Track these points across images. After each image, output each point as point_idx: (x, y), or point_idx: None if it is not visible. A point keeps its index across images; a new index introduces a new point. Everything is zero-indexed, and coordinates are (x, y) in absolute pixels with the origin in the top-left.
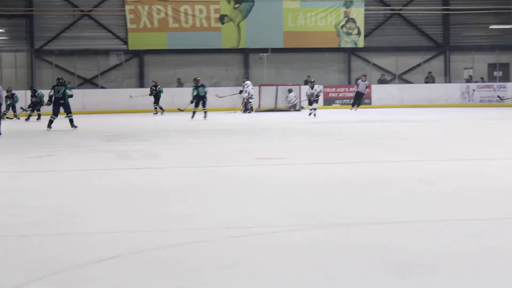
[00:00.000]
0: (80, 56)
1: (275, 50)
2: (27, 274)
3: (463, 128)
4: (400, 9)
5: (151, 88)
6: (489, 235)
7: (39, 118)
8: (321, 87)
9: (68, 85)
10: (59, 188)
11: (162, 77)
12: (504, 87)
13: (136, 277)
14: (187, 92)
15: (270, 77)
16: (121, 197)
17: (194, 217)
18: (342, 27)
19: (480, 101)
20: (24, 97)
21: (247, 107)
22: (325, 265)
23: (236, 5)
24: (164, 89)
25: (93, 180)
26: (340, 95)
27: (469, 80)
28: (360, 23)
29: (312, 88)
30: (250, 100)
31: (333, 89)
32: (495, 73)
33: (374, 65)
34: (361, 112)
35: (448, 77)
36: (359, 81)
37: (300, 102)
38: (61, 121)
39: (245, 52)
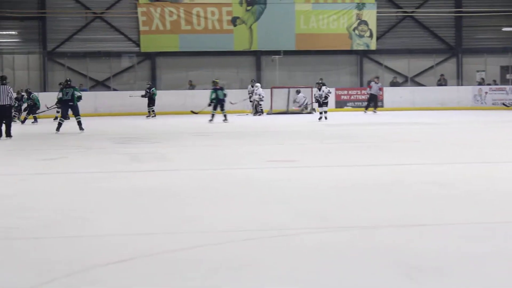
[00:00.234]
0: (93, 58)
1: (287, 53)
2: (36, 277)
3: (475, 131)
4: (412, 12)
5: (145, 90)
6: (499, 238)
7: (35, 121)
8: (328, 88)
9: (76, 87)
10: (69, 190)
11: (174, 79)
12: None
13: (147, 280)
14: (199, 94)
15: (282, 80)
16: (132, 200)
17: (206, 220)
18: (354, 29)
19: (493, 104)
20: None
21: (257, 110)
22: (337, 268)
23: (248, 8)
24: (176, 92)
25: (104, 182)
26: (352, 97)
27: (481, 82)
28: (372, 25)
29: (319, 89)
30: (261, 103)
31: (345, 92)
32: (508, 76)
33: (386, 67)
34: (373, 115)
35: (460, 80)
36: (372, 83)
37: (312, 103)
38: (70, 123)
39: (257, 55)
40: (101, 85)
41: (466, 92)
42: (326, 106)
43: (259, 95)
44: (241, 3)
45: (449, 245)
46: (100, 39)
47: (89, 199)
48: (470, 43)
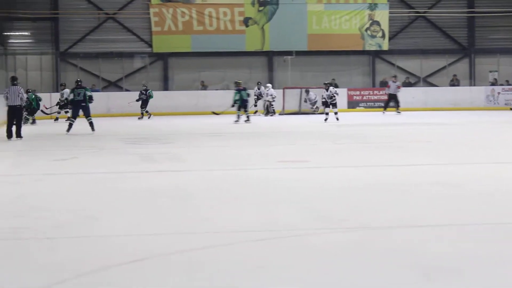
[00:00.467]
0: (105, 58)
1: (299, 53)
2: (48, 277)
3: (488, 131)
4: (424, 12)
5: (140, 92)
6: None
7: (33, 122)
8: (335, 89)
9: (88, 88)
10: (82, 190)
11: (186, 80)
12: None
13: (160, 280)
14: (211, 95)
15: (294, 80)
16: (145, 200)
17: (217, 220)
18: (366, 29)
19: (505, 104)
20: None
21: (269, 110)
22: (351, 269)
23: (261, 8)
24: (188, 92)
25: (116, 183)
26: (364, 98)
27: (494, 83)
28: (385, 25)
29: (327, 90)
30: (273, 103)
31: (357, 92)
32: None
33: (399, 68)
34: (385, 115)
35: (473, 80)
36: (390, 82)
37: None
38: (80, 124)
39: (269, 55)
40: (114, 85)
41: (478, 92)
42: (335, 107)
43: (271, 95)
44: (253, 4)
45: (466, 246)
46: (113, 39)
47: (101, 200)
48: (483, 43)
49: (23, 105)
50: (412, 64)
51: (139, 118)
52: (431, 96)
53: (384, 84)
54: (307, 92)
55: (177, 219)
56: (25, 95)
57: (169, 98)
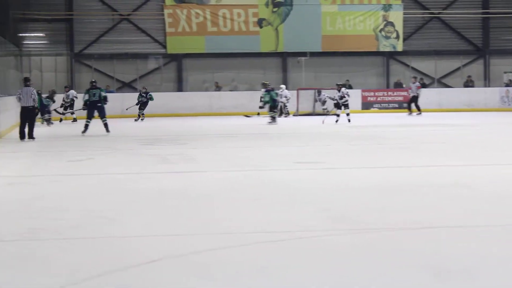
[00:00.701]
0: (119, 60)
1: (313, 54)
2: (67, 278)
3: (502, 132)
4: (439, 13)
5: (140, 94)
6: None
7: (49, 123)
8: (347, 90)
9: (102, 88)
10: (99, 191)
11: (200, 81)
12: None
13: (176, 281)
14: (225, 96)
15: (308, 81)
16: (160, 201)
17: (233, 221)
18: (380, 30)
19: None
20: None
21: (283, 111)
22: (363, 269)
23: (275, 9)
24: (203, 93)
25: (131, 183)
26: (378, 99)
27: (509, 84)
28: (399, 26)
29: (339, 91)
30: (287, 104)
31: (372, 93)
32: None
33: (413, 69)
34: (399, 117)
35: (487, 81)
36: (411, 84)
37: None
38: (95, 125)
39: (283, 56)
40: (128, 86)
41: (493, 93)
42: (347, 108)
43: (285, 96)
44: (267, 5)
45: (481, 247)
46: (127, 40)
47: (116, 201)
48: (498, 44)
49: (36, 106)
50: (427, 65)
51: (136, 120)
52: (446, 97)
53: (398, 85)
54: (319, 92)
55: (192, 220)
56: (37, 97)
57: (183, 99)
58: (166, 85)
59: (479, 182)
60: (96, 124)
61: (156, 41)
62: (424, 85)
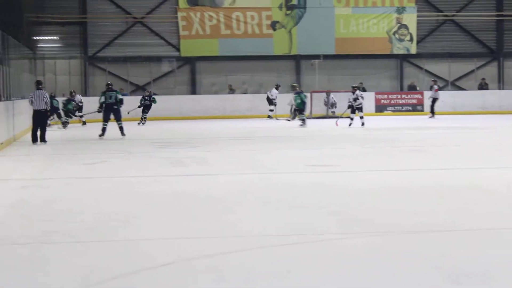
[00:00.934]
0: (133, 63)
1: (326, 57)
2: (82, 280)
3: None
4: (453, 15)
5: (143, 98)
6: None
7: (64, 125)
8: (361, 92)
9: (118, 90)
10: (113, 194)
11: (214, 84)
12: None
13: (189, 284)
14: (239, 99)
15: (321, 84)
16: (174, 204)
17: (247, 224)
18: (394, 33)
19: None
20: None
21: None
22: (380, 273)
23: (288, 12)
24: (216, 96)
25: (146, 186)
26: (392, 101)
27: None
28: (413, 29)
29: (353, 93)
30: None
31: (385, 96)
32: None
33: (427, 71)
34: (412, 119)
35: (501, 84)
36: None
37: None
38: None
39: (296, 59)
40: (142, 89)
41: (507, 96)
42: (361, 111)
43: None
44: (280, 8)
45: (496, 251)
46: (141, 43)
47: (130, 203)
48: None
49: (48, 109)
50: (440, 68)
51: (138, 124)
52: (460, 100)
53: (412, 88)
54: (328, 95)
55: (205, 223)
56: (49, 100)
57: (197, 102)
58: (179, 88)
59: (493, 185)
60: (110, 127)
61: (169, 44)
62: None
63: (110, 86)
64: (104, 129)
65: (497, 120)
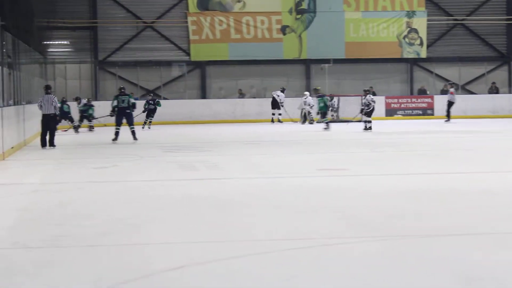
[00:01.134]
0: (143, 67)
1: (336, 61)
2: (93, 284)
3: None
4: (463, 19)
5: (147, 102)
6: None
7: (76, 129)
8: (371, 96)
9: (131, 94)
10: (123, 198)
11: (224, 88)
12: None
13: None
14: (249, 103)
15: (331, 88)
16: (185, 208)
17: (257, 229)
18: (404, 37)
19: None
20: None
21: (307, 118)
22: (390, 277)
23: (298, 16)
24: (226, 100)
25: (156, 190)
26: (402, 105)
27: None
28: (423, 33)
29: (365, 97)
30: (311, 112)
31: (395, 100)
32: None
33: (437, 75)
34: (423, 124)
35: None
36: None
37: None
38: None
39: (306, 63)
40: (152, 94)
41: None
42: (369, 115)
43: (309, 104)
44: (290, 12)
45: (506, 255)
46: (151, 48)
47: (141, 208)
48: None
49: (57, 113)
50: (451, 72)
51: (143, 128)
52: (470, 104)
53: (422, 92)
54: (331, 99)
55: (215, 227)
56: (59, 104)
57: (207, 106)
58: (189, 92)
59: (506, 189)
60: (121, 131)
61: (179, 48)
62: (448, 92)
63: (122, 90)
64: (117, 133)
65: (508, 124)
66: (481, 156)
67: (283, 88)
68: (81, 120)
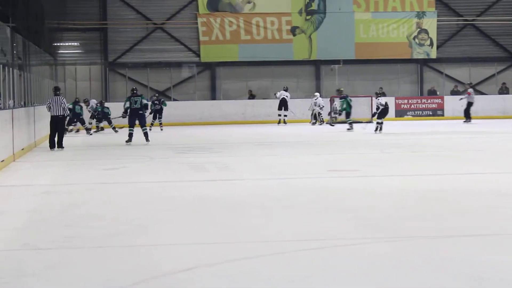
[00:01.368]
0: (153, 68)
1: (346, 62)
2: (103, 286)
3: None
4: (473, 20)
5: (152, 103)
6: None
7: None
8: (380, 99)
9: (143, 96)
10: (134, 200)
11: (234, 89)
12: None
13: None
14: (259, 104)
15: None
16: (195, 209)
17: (269, 230)
18: (414, 38)
19: None
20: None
21: (317, 119)
22: (401, 278)
23: (308, 17)
24: (236, 101)
25: (167, 192)
26: (412, 106)
27: None
28: (433, 34)
29: (376, 99)
30: (321, 112)
31: (405, 100)
32: None
33: (447, 76)
34: (433, 124)
35: None
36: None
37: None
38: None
39: (316, 64)
40: (162, 95)
41: None
42: (379, 117)
43: (319, 105)
44: (300, 13)
45: None
46: (161, 49)
47: (152, 209)
48: None
49: (66, 115)
50: (461, 72)
51: (150, 129)
52: (480, 105)
53: (432, 93)
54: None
55: (226, 228)
56: (68, 105)
57: (217, 107)
58: (199, 94)
59: None
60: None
61: (189, 49)
62: (458, 93)
63: (135, 92)
64: (131, 135)
65: None
66: (491, 157)
67: (286, 88)
68: (99, 121)
